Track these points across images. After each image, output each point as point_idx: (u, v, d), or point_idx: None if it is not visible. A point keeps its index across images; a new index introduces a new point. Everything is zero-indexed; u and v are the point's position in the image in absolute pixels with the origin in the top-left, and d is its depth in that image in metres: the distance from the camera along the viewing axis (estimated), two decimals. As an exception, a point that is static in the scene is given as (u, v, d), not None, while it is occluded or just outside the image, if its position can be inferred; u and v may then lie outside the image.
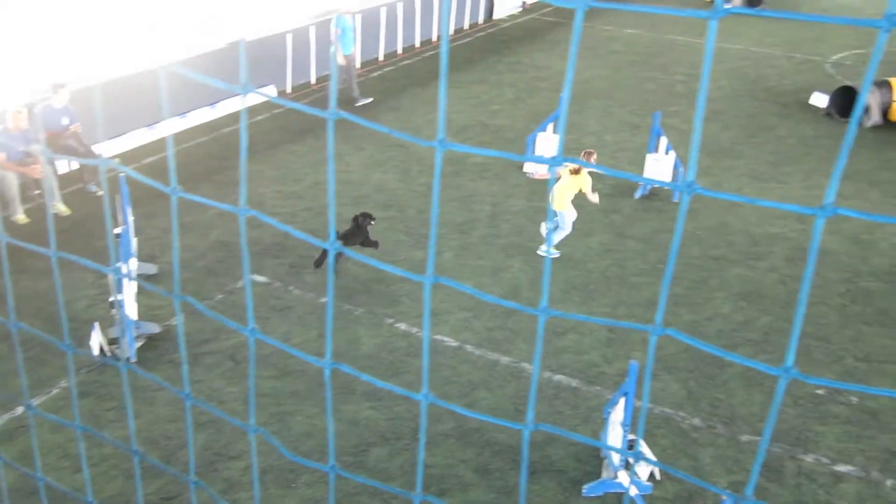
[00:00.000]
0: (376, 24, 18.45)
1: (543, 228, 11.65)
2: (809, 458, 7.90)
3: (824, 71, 19.36)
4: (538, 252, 11.23)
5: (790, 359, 1.69)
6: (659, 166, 12.57)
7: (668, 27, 22.78)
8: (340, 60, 15.83)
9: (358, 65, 17.55)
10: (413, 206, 12.33)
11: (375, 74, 18.08)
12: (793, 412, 8.47)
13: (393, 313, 9.85)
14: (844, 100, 16.33)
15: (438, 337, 9.43)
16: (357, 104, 16.18)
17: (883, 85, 16.18)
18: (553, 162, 1.63)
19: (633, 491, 7.29)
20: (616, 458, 7.43)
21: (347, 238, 10.49)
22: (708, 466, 7.77)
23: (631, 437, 7.59)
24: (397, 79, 17.91)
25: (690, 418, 8.35)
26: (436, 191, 1.70)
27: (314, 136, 14.73)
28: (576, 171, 10.86)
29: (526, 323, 9.71)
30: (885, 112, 16.11)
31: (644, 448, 7.58)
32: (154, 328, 9.20)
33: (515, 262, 11.00)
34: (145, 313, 9.47)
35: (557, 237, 11.08)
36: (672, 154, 12.53)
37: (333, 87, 1.86)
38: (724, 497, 6.33)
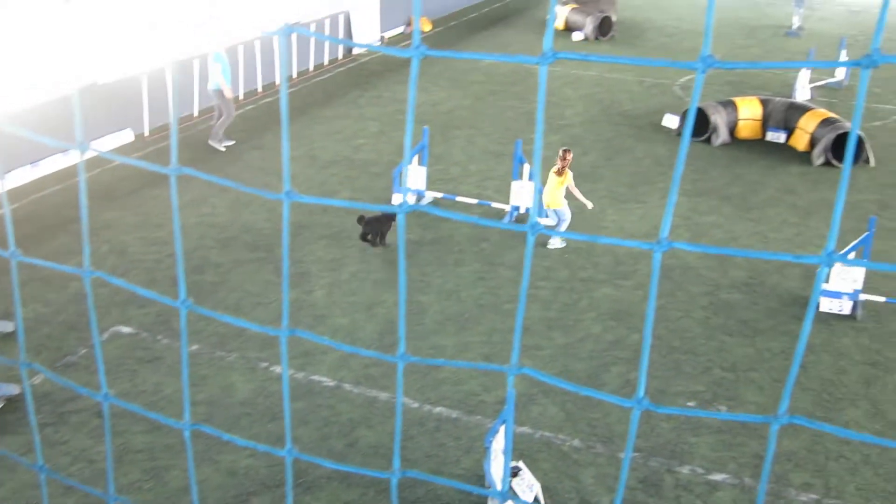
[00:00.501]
0: (235, 63, 18.20)
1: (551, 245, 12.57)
2: (685, 470, 8.12)
3: (673, 93, 20.21)
4: (548, 247, 12.38)
5: (641, 390, 1.71)
6: (524, 193, 12.79)
7: (524, 56, 23.31)
8: (229, 94, 15.67)
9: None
10: (281, 246, 12.12)
11: (235, 113, 17.80)
12: (667, 426, 8.70)
13: (267, 356, 9.63)
14: (695, 120, 17.06)
15: (315, 377, 9.28)
16: (224, 144, 15.90)
17: (728, 105, 17.02)
18: (401, 209, 1.60)
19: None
20: (499, 487, 7.44)
21: (371, 224, 12.04)
22: (590, 486, 7.88)
23: (514, 463, 7.63)
24: (258, 117, 17.70)
25: (570, 440, 8.47)
26: (285, 242, 1.65)
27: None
28: (559, 172, 12.17)
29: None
30: (731, 130, 16.94)
31: (526, 473, 7.63)
32: (13, 389, 8.70)
33: (389, 296, 10.96)
34: (4, 373, 8.95)
35: (563, 227, 12.33)
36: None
37: (174, 142, 1.79)
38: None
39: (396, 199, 13.46)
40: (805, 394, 9.32)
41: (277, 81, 19.86)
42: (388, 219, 12.11)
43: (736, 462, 8.25)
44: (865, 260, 10.32)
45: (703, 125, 16.93)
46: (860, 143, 15.84)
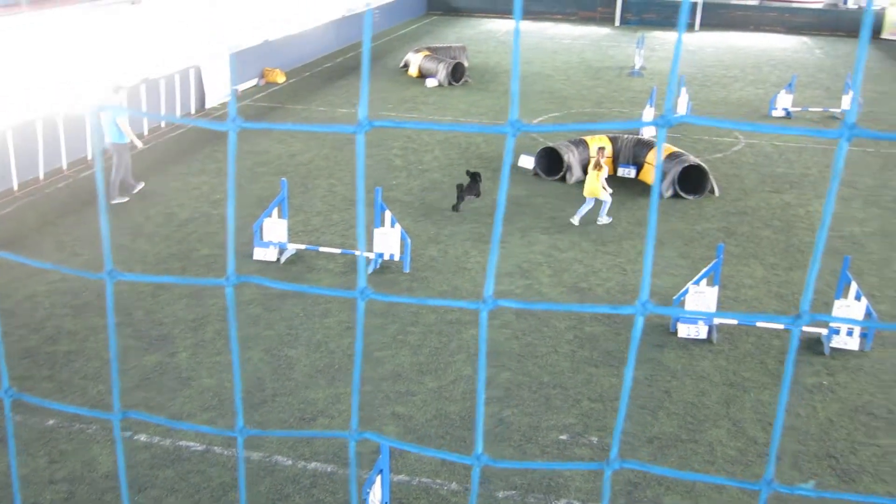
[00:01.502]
0: (79, 128, 17.61)
1: (574, 221, 15.07)
2: (562, 503, 8.21)
3: (528, 135, 20.77)
4: (598, 222, 15.13)
5: (479, 447, 1.72)
6: (387, 240, 12.82)
7: (380, 105, 23.56)
8: (139, 143, 15.68)
9: (65, 167, 16.60)
10: (140, 308, 11.72)
11: (62, 185, 17.19)
12: (542, 460, 8.80)
13: (130, 424, 9.23)
14: (549, 160, 17.57)
15: (182, 443, 8.95)
16: (134, 190, 15.95)
17: (580, 143, 17.61)
18: (228, 282, 1.56)
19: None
20: (380, 538, 7.33)
21: (465, 189, 15.57)
22: (470, 529, 7.85)
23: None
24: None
25: (448, 484, 8.44)
26: (110, 322, 1.58)
27: (19, 248, 13.68)
28: (596, 166, 14.65)
29: (275, 414, 9.46)
30: (584, 168, 17.51)
31: (406, 522, 7.55)
32: None
33: (255, 353, 10.73)
34: None
35: (606, 207, 15.05)
36: (398, 226, 12.84)
37: None
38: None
39: (258, 253, 13.25)
40: (670, 418, 9.61)
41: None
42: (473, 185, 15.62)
43: (612, 491, 8.40)
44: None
45: (557, 165, 17.44)
46: (704, 175, 16.64)
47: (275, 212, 13.12)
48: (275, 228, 13.10)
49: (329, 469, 8.61)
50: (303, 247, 13.51)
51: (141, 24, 20.18)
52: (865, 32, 1.24)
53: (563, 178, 17.30)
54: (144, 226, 14.63)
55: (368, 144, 19.55)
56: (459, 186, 15.63)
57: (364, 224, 1.49)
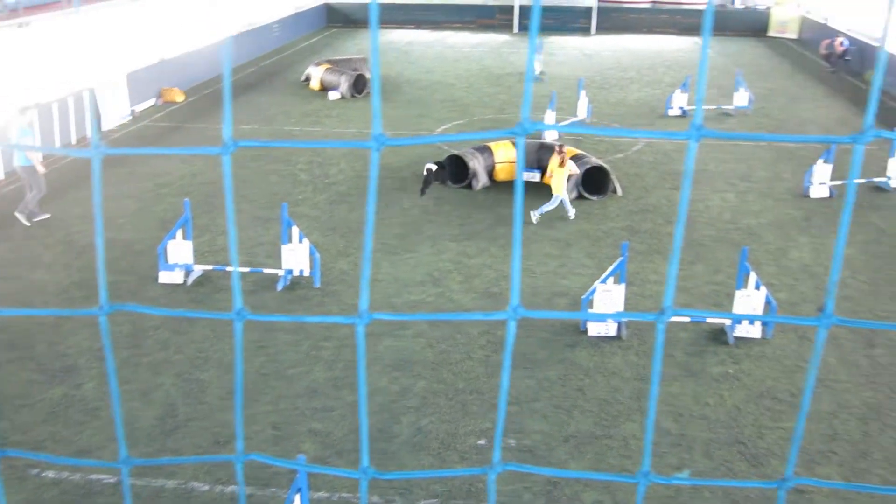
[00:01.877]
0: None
1: (534, 217, 15.63)
2: (483, 508, 8.27)
3: (433, 143, 20.86)
4: (569, 217, 15.63)
5: (364, 460, 1.74)
6: (296, 255, 12.71)
7: (282, 120, 23.37)
8: (41, 168, 15.53)
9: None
10: (43, 340, 11.36)
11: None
12: (462, 467, 8.84)
13: (36, 462, 8.93)
14: (455, 167, 17.68)
15: (94, 476, 8.70)
16: (35, 219, 15.56)
17: (484, 150, 17.78)
18: (101, 312, 1.54)
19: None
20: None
21: (434, 174, 16.50)
22: (393, 541, 7.85)
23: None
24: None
25: (370, 497, 8.41)
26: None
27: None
28: (561, 164, 15.27)
29: (189, 440, 9.28)
30: (490, 174, 17.69)
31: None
32: None
33: (166, 378, 10.50)
34: None
35: (568, 204, 15.63)
36: (306, 241, 12.75)
37: None
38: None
39: (164, 276, 12.98)
40: (585, 416, 9.78)
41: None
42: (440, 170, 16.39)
43: (530, 492, 8.50)
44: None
45: (462, 172, 17.57)
46: (607, 176, 16.98)
47: (179, 233, 12.88)
48: (179, 250, 12.86)
49: (248, 491, 8.48)
50: (209, 267, 13.29)
51: (31, 46, 19.59)
52: (706, 36, 1.30)
53: (470, 185, 17.44)
54: (43, 255, 14.19)
55: (275, 160, 19.39)
56: (428, 171, 16.79)
57: (236, 244, 1.49)
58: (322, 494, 8.42)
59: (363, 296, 1.56)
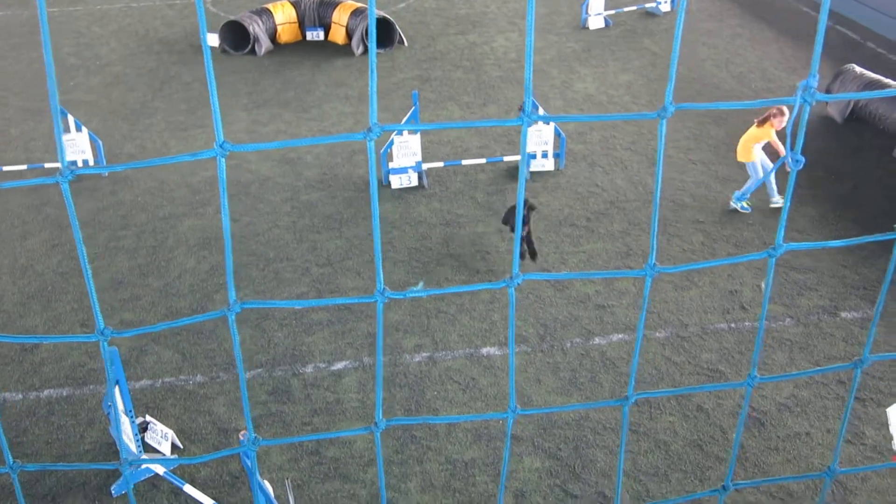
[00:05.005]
0: None
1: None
2: (309, 369, 8.41)
3: (208, 10, 19.84)
4: (731, 206, 10.98)
5: (379, 413, 1.72)
6: (76, 145, 11.97)
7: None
8: None
9: None
10: None
11: None
12: (281, 334, 8.90)
13: None
14: (234, 34, 16.93)
15: None
16: None
17: (263, 13, 17.08)
18: None
19: (160, 469, 7.15)
20: (133, 448, 7.19)
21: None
22: (224, 414, 7.89)
23: (140, 419, 7.39)
24: None
25: (193, 378, 8.35)
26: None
27: None
28: (762, 122, 10.49)
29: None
30: (272, 37, 17.09)
31: (157, 424, 7.43)
32: None
33: (-46, 291, 9.83)
34: None
35: (748, 186, 10.81)
36: (85, 130, 12.00)
37: None
38: (242, 436, 6.48)
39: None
40: (397, 266, 9.99)
41: None
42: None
43: (352, 347, 8.70)
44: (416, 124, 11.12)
45: (243, 38, 16.87)
46: (391, 27, 16.79)
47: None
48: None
49: (65, 393, 8.22)
50: (-18, 169, 12.33)
51: None
52: None
53: (253, 51, 16.81)
54: None
55: (38, 45, 17.90)
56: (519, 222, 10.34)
57: (230, 237, 1.37)
58: (144, 382, 8.29)
59: (378, 275, 1.49)
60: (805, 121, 1.35)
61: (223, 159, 1.74)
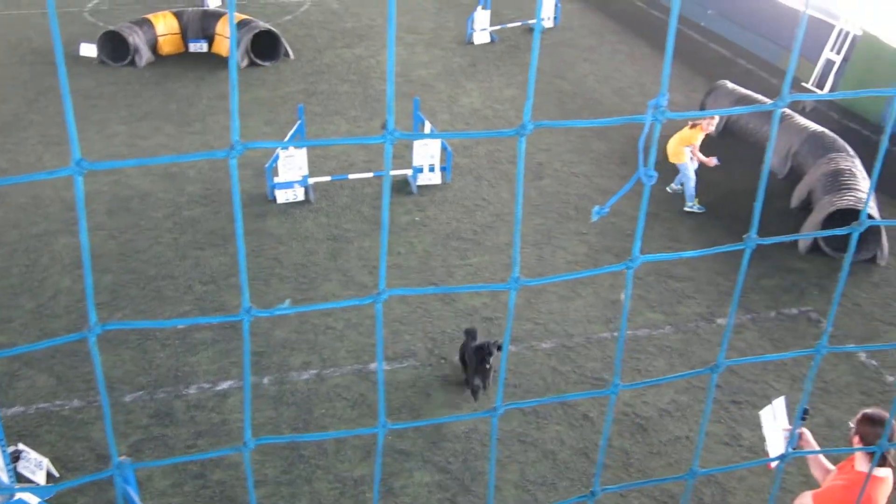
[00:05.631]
0: None
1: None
2: (193, 390, 8.19)
3: (85, 20, 19.22)
4: (685, 209, 11.42)
5: (381, 417, 1.64)
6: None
7: None
8: None
9: None
10: None
11: None
12: (163, 355, 8.64)
13: None
14: (113, 45, 16.44)
15: None
16: None
17: (144, 23, 16.64)
18: None
19: (34, 500, 6.83)
20: (4, 478, 6.84)
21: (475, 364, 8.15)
22: (101, 441, 7.60)
23: (12, 448, 7.05)
24: None
25: (69, 402, 8.03)
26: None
27: None
28: (694, 125, 11.02)
29: None
30: (153, 48, 16.67)
31: (30, 452, 7.11)
32: None
33: None
34: None
35: (689, 189, 11.33)
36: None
37: None
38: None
39: None
40: (284, 282, 9.85)
41: None
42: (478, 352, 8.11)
43: (237, 366, 8.51)
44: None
45: (123, 48, 16.40)
46: (276, 39, 16.60)
47: None
48: None
49: (-72, 422, 7.77)
50: None
51: None
52: None
53: (133, 63, 16.35)
54: None
55: None
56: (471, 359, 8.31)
57: (244, 249, 1.28)
58: (17, 409, 7.93)
59: (381, 273, 1.41)
60: (657, 137, 1.38)
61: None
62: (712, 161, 11.15)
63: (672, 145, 11.34)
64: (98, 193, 11.68)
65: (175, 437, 7.64)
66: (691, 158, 11.31)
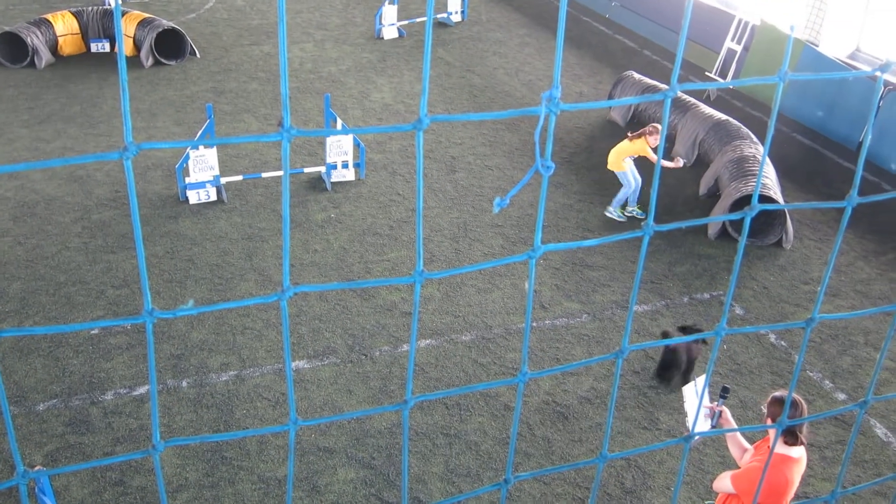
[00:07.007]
0: None
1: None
2: (109, 396, 8.02)
3: (-21, 21, 18.54)
4: (606, 214, 11.45)
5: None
6: None
7: None
8: None
9: None
10: None
11: None
12: (77, 361, 8.44)
13: None
14: (10, 46, 15.92)
15: None
16: None
17: (42, 23, 16.16)
18: None
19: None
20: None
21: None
22: (9, 445, 7.37)
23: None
24: None
25: (-22, 415, 7.78)
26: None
27: None
28: (636, 137, 10.96)
29: None
30: (53, 49, 16.20)
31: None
32: None
33: None
34: None
35: (621, 195, 11.30)
36: None
37: None
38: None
39: None
40: (199, 284, 9.71)
41: None
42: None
43: (156, 368, 8.36)
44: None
45: (21, 50, 15.89)
46: (181, 38, 16.30)
47: None
48: None
49: None
50: None
51: None
52: None
53: (33, 64, 15.86)
54: None
55: None
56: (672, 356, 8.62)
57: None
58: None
59: (285, 270, 1.40)
60: (552, 129, 1.44)
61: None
62: (679, 161, 11.29)
63: (612, 156, 11.34)
64: (2, 199, 11.32)
65: (92, 444, 7.47)
66: (630, 167, 11.22)
